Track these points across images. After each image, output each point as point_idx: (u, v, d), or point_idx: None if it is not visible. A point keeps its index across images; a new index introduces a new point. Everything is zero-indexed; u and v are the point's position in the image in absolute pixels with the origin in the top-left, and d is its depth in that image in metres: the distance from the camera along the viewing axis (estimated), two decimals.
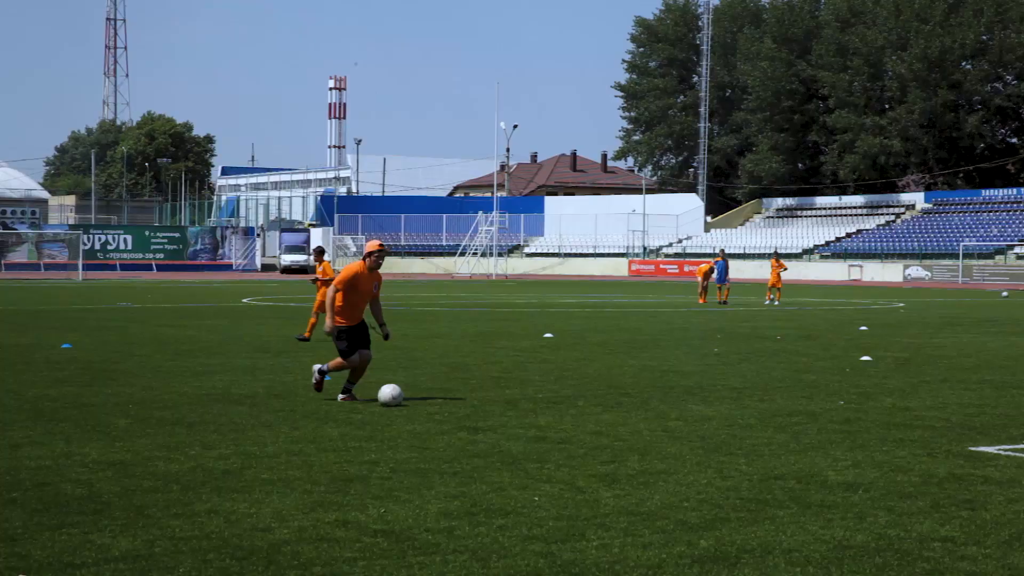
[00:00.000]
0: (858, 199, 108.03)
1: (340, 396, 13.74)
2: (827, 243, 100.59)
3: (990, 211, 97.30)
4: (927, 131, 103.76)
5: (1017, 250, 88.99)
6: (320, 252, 24.63)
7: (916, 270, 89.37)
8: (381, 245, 13.99)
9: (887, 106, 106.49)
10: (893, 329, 28.86)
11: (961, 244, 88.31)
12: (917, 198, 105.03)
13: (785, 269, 46.90)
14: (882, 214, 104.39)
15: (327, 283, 22.82)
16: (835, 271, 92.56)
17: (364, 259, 13.93)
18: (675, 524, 7.55)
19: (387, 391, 13.30)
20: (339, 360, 13.87)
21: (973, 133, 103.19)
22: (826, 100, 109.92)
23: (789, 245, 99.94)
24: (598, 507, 8.09)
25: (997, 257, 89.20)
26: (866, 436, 11.38)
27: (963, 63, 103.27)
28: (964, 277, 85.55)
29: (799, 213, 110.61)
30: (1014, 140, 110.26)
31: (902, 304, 45.66)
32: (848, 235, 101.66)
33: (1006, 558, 6.76)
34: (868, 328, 28.64)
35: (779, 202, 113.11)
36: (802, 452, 10.42)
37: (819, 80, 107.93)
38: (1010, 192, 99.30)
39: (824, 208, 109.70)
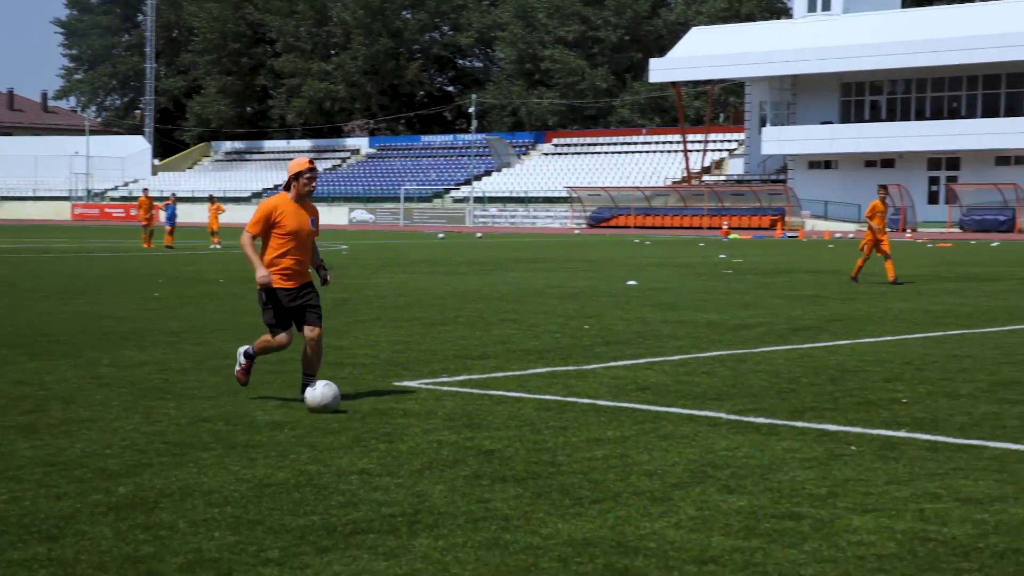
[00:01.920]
0: (306, 143, 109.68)
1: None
2: (276, 187, 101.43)
3: (429, 156, 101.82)
4: (370, 78, 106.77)
5: (453, 194, 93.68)
6: None
7: (361, 213, 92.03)
8: (311, 162, 10.24)
9: (332, 52, 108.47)
10: (336, 271, 29.51)
11: (403, 188, 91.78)
12: (362, 143, 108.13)
13: (223, 211, 47.35)
14: (329, 158, 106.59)
15: None
16: None
17: (287, 187, 10.16)
18: (94, 472, 7.38)
19: (325, 393, 9.58)
20: (266, 339, 10.26)
21: (413, 80, 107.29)
22: (273, 44, 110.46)
23: (238, 188, 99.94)
24: (13, 459, 7.76)
25: (435, 200, 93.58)
26: (296, 376, 11.59)
27: (403, 12, 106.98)
28: (406, 220, 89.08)
29: (248, 157, 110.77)
30: (451, 88, 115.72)
31: (346, 247, 46.91)
32: None
33: (416, 486, 7.12)
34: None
35: (228, 145, 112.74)
36: (233, 395, 10.47)
37: (267, 24, 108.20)
38: (447, 139, 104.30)
39: (273, 152, 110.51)
